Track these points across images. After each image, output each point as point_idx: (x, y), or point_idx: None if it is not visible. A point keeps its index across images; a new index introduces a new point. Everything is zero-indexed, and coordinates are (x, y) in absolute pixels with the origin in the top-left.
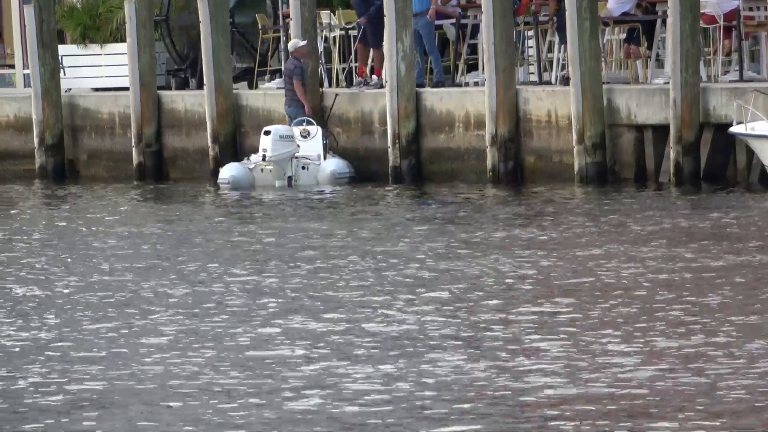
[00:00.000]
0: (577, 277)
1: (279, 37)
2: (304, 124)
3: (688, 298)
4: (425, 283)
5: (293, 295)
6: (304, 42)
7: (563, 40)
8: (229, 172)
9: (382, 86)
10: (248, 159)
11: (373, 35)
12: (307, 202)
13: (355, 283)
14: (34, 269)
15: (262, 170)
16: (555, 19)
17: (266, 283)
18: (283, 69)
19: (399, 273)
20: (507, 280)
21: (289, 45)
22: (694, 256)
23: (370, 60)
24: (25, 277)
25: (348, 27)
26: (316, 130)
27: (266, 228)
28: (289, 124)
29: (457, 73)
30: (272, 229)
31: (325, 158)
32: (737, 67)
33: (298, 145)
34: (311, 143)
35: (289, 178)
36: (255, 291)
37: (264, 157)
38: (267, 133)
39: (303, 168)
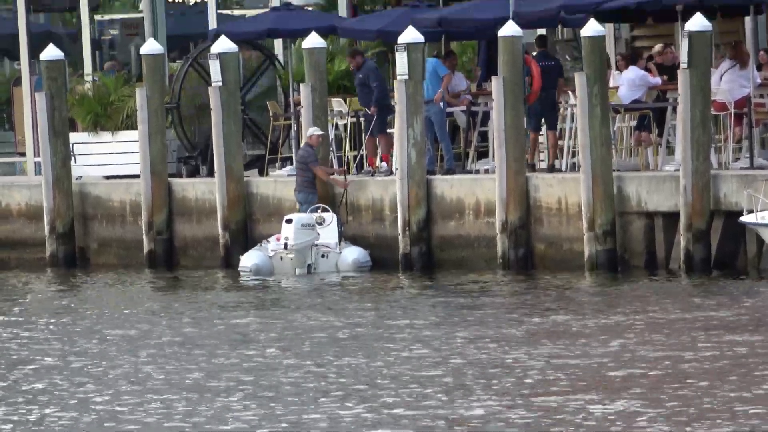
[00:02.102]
0: (593, 366)
1: (290, 124)
2: (319, 210)
3: (706, 387)
4: (447, 372)
5: (322, 382)
6: (322, 132)
7: (530, 125)
8: (251, 260)
9: (391, 172)
10: (261, 245)
11: (376, 120)
12: (328, 290)
13: (378, 376)
14: (46, 358)
15: (282, 258)
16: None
17: (294, 372)
18: (295, 156)
19: (422, 362)
20: (524, 370)
21: (309, 130)
22: (710, 344)
23: (379, 150)
24: (36, 364)
25: (359, 114)
26: (331, 218)
27: (294, 316)
28: (301, 210)
29: (467, 160)
30: (299, 317)
31: (339, 245)
32: (748, 155)
33: (318, 234)
34: (326, 230)
35: (309, 265)
36: (284, 379)
37: (286, 245)
38: (289, 221)
39: (323, 256)
